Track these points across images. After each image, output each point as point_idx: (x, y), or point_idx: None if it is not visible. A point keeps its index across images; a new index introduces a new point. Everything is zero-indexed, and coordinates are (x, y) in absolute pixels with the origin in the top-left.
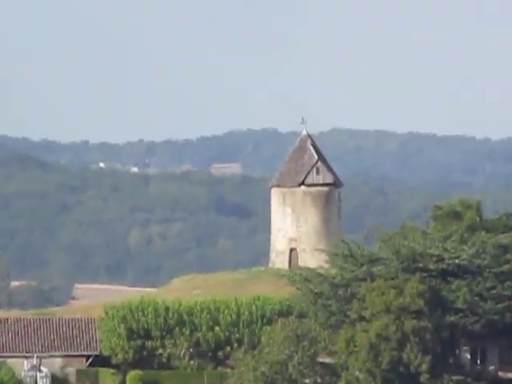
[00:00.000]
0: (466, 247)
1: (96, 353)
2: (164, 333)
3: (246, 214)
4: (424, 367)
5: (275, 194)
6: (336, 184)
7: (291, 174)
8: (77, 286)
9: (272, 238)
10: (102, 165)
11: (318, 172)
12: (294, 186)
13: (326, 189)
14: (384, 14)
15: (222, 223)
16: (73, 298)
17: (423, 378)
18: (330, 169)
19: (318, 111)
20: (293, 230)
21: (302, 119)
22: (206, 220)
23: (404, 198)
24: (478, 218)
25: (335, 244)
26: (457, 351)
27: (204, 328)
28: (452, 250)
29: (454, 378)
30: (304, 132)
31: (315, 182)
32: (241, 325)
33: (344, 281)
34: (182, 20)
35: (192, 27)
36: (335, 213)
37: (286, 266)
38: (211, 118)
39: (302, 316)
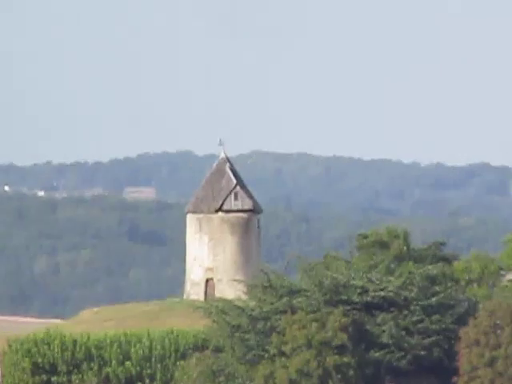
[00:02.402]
0: (392, 278)
1: None
2: (71, 367)
3: (161, 241)
4: None
5: (191, 221)
6: (256, 210)
7: (208, 199)
8: None
9: (187, 267)
10: (6, 188)
11: (236, 197)
12: (210, 212)
13: (244, 215)
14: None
15: (135, 251)
16: None
17: None
18: (249, 194)
19: (237, 133)
20: (209, 259)
21: (220, 141)
22: (117, 247)
23: (328, 225)
24: (405, 248)
25: (254, 274)
26: None
27: (114, 362)
28: (377, 282)
29: None
30: (222, 155)
31: (233, 208)
32: (153, 359)
33: (263, 313)
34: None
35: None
36: (254, 241)
37: (201, 297)
38: (123, 140)
39: (218, 350)
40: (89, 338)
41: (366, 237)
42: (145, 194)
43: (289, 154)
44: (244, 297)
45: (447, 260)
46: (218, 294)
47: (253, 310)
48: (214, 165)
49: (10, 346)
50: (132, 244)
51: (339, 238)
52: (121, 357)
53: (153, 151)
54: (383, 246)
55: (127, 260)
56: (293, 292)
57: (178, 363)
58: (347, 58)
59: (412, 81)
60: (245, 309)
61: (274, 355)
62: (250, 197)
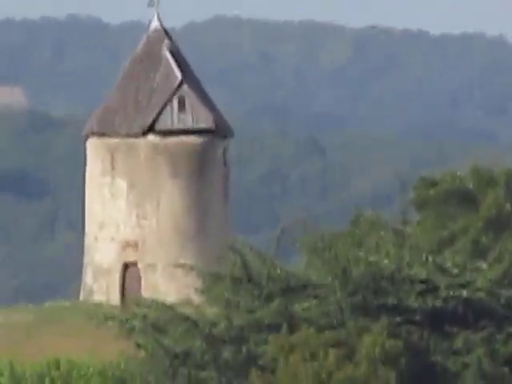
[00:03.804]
0: (483, 265)
1: None
2: None
3: (35, 190)
4: None
5: (95, 152)
6: (220, 131)
7: (128, 110)
8: None
9: (86, 240)
10: None
11: (182, 107)
12: (132, 135)
13: (198, 140)
14: None
15: None
16: None
17: None
18: (207, 101)
19: None
20: (130, 223)
21: None
22: None
23: (358, 161)
24: (509, 206)
25: (216, 255)
26: None
27: None
28: (455, 272)
29: None
30: (155, 23)
31: (177, 126)
32: None
33: (233, 331)
34: None
35: None
36: (217, 190)
37: (114, 298)
38: None
39: None
40: None
41: (433, 184)
42: (6, 97)
43: (285, 22)
44: (197, 299)
45: None
46: (146, 293)
47: (214, 324)
48: (141, 43)
49: None
50: None
51: (380, 187)
52: None
53: (24, 16)
54: (467, 201)
55: None
56: (292, 290)
57: None
58: None
59: None
60: (199, 322)
61: None
62: (210, 107)
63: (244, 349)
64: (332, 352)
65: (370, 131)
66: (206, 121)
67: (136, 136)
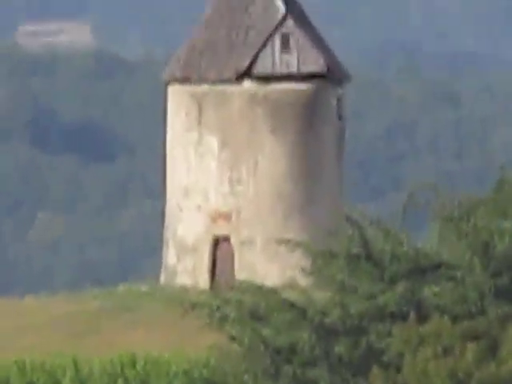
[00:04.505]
0: None
1: None
2: None
3: (103, 147)
4: None
5: (177, 102)
6: (333, 75)
7: (218, 50)
8: None
9: (168, 211)
10: None
11: (285, 46)
12: (224, 82)
13: (306, 87)
14: None
15: (48, 168)
16: None
17: None
18: (316, 37)
19: None
20: (222, 190)
21: None
22: (13, 160)
23: (500, 107)
24: None
25: (328, 228)
26: None
27: None
28: None
29: None
30: None
31: (279, 70)
32: None
33: (350, 320)
34: None
35: None
36: (330, 148)
37: (202, 280)
38: None
39: None
40: None
41: None
42: (68, 35)
43: None
44: (304, 282)
45: None
46: (241, 274)
47: (326, 312)
48: None
49: None
50: (42, 155)
51: None
52: None
53: None
54: None
55: (31, 193)
56: (421, 271)
57: None
58: None
59: None
60: (307, 310)
61: None
62: (320, 46)
63: (363, 342)
64: (470, 346)
65: None
66: (315, 63)
67: (229, 82)
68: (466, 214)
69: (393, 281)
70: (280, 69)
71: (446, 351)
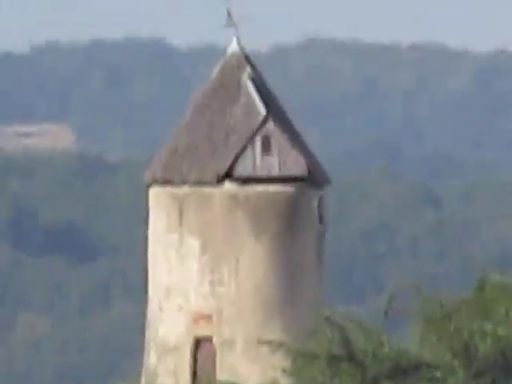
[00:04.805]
0: None
1: None
2: None
3: (84, 248)
4: None
5: (158, 203)
6: (314, 178)
7: (199, 152)
8: None
9: (149, 311)
10: None
11: (266, 149)
12: (205, 184)
13: (287, 190)
14: None
15: (29, 273)
16: None
17: None
18: (297, 140)
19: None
20: (203, 291)
21: (228, 13)
22: None
23: (481, 209)
24: None
25: (309, 328)
26: None
27: None
28: None
29: None
30: (233, 46)
31: (260, 172)
32: None
33: None
34: None
35: None
36: (310, 251)
37: (183, 381)
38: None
39: None
40: None
41: None
42: (50, 138)
43: (393, 44)
44: (286, 383)
45: None
46: (223, 375)
47: None
48: (216, 71)
49: None
50: (24, 256)
51: (510, 245)
52: None
53: (72, 39)
54: None
55: (13, 294)
56: (402, 371)
57: None
58: None
59: None
60: None
61: None
62: (301, 148)
63: None
64: None
65: (495, 177)
66: (296, 166)
67: (210, 184)
68: (447, 314)
69: (375, 382)
70: (261, 171)
71: None
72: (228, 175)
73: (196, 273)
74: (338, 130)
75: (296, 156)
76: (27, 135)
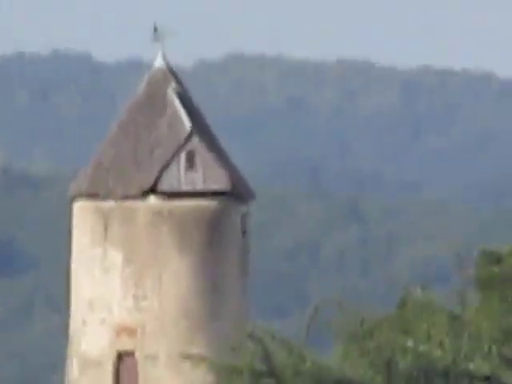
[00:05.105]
0: None
1: None
2: None
3: (7, 262)
4: None
5: (82, 217)
6: (237, 193)
7: (124, 166)
8: None
9: (72, 325)
10: None
11: (191, 164)
12: (130, 198)
13: (211, 205)
14: None
15: None
16: None
17: None
18: (221, 155)
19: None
20: (126, 305)
21: (155, 29)
22: None
23: (407, 229)
24: None
25: (233, 343)
26: None
27: None
28: None
29: None
30: (159, 61)
31: (184, 187)
32: None
33: None
34: None
35: None
36: (234, 265)
37: None
38: None
39: None
40: None
41: (499, 259)
42: None
43: (319, 62)
44: None
45: None
46: None
47: None
48: (141, 86)
49: None
50: None
51: (433, 262)
52: None
53: None
54: None
55: None
56: None
57: None
58: None
59: None
60: None
61: None
62: (225, 163)
63: None
64: None
65: (421, 194)
66: (220, 181)
67: (134, 198)
68: (369, 331)
69: None
70: (185, 186)
71: None
72: (152, 190)
73: (119, 286)
74: (262, 145)
75: (220, 171)
76: None
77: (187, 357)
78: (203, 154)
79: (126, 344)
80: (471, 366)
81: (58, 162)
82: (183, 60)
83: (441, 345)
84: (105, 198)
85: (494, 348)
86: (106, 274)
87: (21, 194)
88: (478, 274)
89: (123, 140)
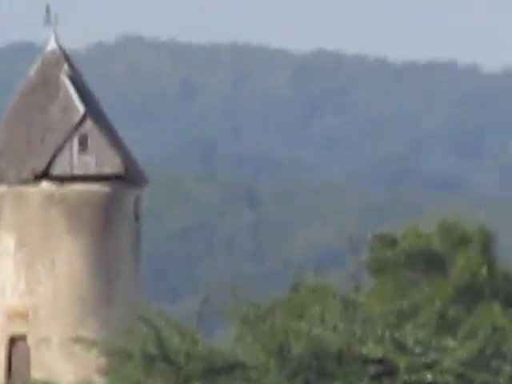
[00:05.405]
0: (451, 342)
1: None
2: None
3: None
4: None
5: None
6: (130, 177)
7: (17, 151)
8: None
9: None
10: None
11: (83, 148)
12: (22, 182)
13: (103, 189)
14: None
15: None
16: None
17: None
18: (114, 139)
19: None
20: (18, 289)
21: (47, 9)
22: None
23: (301, 215)
24: (484, 270)
25: (125, 327)
26: None
27: None
28: (419, 350)
29: None
30: (51, 44)
31: (77, 171)
32: None
33: None
34: None
35: None
36: (126, 249)
37: None
38: None
39: None
40: None
41: (392, 242)
42: None
43: (213, 45)
44: (100, 381)
45: None
46: (38, 373)
47: None
48: (33, 69)
49: None
50: None
51: (325, 246)
52: None
53: None
54: (433, 264)
55: None
56: (216, 371)
57: None
58: None
59: None
60: None
61: None
62: (119, 147)
63: None
64: None
65: (314, 177)
66: (113, 165)
67: (26, 183)
68: (262, 315)
69: (187, 381)
70: (78, 170)
71: None
72: (45, 174)
73: (12, 270)
74: (156, 129)
75: (113, 155)
76: None
77: (78, 340)
78: (96, 138)
79: (18, 328)
80: (364, 350)
81: None
82: (77, 44)
83: (334, 329)
84: None
85: (386, 332)
86: None
87: None
88: (371, 258)
89: (16, 124)
